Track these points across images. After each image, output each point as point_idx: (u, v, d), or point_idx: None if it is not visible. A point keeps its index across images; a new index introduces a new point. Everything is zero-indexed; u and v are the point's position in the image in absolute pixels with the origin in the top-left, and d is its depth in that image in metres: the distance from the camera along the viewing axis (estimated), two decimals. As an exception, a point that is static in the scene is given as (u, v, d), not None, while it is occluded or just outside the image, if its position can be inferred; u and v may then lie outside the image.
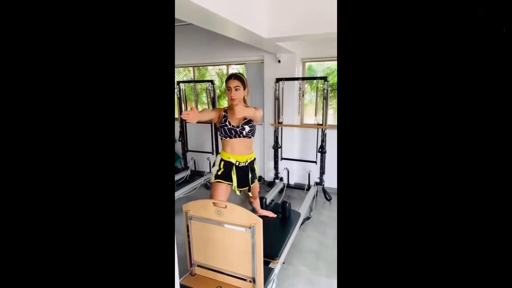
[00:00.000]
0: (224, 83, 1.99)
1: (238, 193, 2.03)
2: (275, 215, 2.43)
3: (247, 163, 1.99)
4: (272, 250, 1.86)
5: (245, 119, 1.92)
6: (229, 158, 1.94)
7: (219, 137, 2.05)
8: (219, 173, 1.94)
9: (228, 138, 1.93)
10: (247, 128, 1.92)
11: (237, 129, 1.91)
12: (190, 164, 4.26)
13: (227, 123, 1.91)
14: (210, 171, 2.53)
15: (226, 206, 1.50)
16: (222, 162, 1.95)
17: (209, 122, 2.93)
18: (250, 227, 1.45)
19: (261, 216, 1.73)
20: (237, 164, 1.95)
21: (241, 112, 1.71)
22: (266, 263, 1.79)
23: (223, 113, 1.95)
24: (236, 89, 1.87)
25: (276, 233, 2.14)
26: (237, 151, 1.94)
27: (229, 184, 1.95)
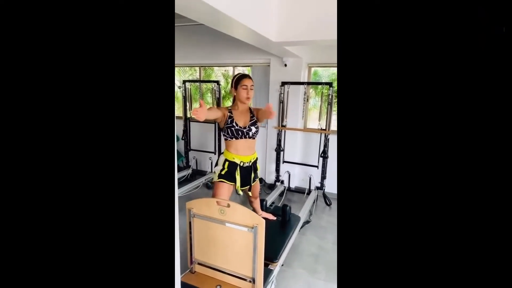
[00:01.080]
0: (231, 83, 1.98)
1: (240, 193, 2.02)
2: (275, 218, 2.43)
3: (250, 163, 2.00)
4: (271, 253, 1.85)
5: (251, 120, 1.93)
6: (233, 158, 1.94)
7: (222, 137, 2.06)
8: (223, 172, 1.93)
9: (234, 139, 1.92)
10: (253, 129, 1.92)
11: (244, 130, 1.91)
12: (192, 163, 4.28)
13: (234, 124, 1.90)
14: (212, 171, 2.54)
15: (229, 205, 1.51)
16: (227, 163, 1.94)
17: (213, 121, 2.94)
18: (252, 227, 1.46)
19: (260, 218, 1.74)
20: (241, 164, 1.95)
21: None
22: (265, 265, 1.79)
23: (228, 113, 1.91)
24: (251, 89, 1.91)
25: (276, 236, 2.15)
26: (241, 152, 1.94)
27: (231, 184, 1.95)
